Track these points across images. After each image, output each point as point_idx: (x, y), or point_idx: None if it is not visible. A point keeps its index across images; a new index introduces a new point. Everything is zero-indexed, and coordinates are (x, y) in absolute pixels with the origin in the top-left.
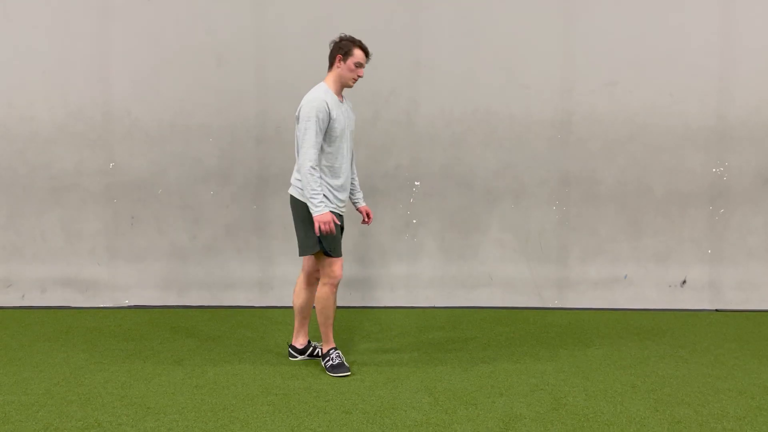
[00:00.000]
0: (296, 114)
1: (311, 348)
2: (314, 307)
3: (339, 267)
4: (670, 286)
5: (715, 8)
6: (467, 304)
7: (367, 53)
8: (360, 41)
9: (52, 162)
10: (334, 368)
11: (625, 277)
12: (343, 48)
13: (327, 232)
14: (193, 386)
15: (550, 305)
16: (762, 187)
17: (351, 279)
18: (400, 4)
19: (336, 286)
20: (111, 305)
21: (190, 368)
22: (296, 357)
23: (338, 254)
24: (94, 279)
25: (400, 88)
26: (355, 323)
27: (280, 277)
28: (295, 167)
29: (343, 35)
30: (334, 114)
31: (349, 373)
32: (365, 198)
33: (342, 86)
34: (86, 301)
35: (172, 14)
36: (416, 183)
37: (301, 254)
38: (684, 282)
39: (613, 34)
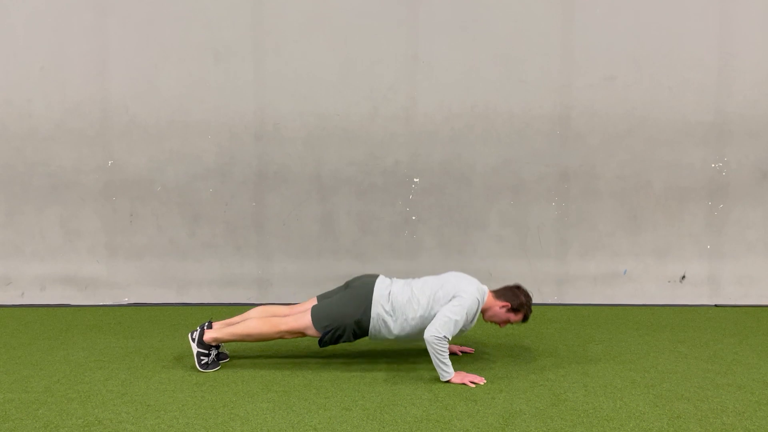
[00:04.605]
0: (454, 285)
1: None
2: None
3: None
4: (669, 282)
5: (714, 2)
6: None
7: (524, 321)
8: (531, 313)
9: (51, 159)
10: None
11: (625, 272)
12: (518, 307)
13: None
14: (194, 383)
15: (550, 301)
16: (761, 182)
17: (350, 276)
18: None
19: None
20: (110, 303)
21: (190, 365)
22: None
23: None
24: (94, 277)
25: (399, 83)
26: None
27: (279, 274)
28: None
29: (528, 296)
30: (473, 321)
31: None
32: (364, 194)
33: (486, 315)
34: (85, 299)
35: (170, 10)
36: (415, 179)
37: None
38: (683, 277)
39: (612, 28)
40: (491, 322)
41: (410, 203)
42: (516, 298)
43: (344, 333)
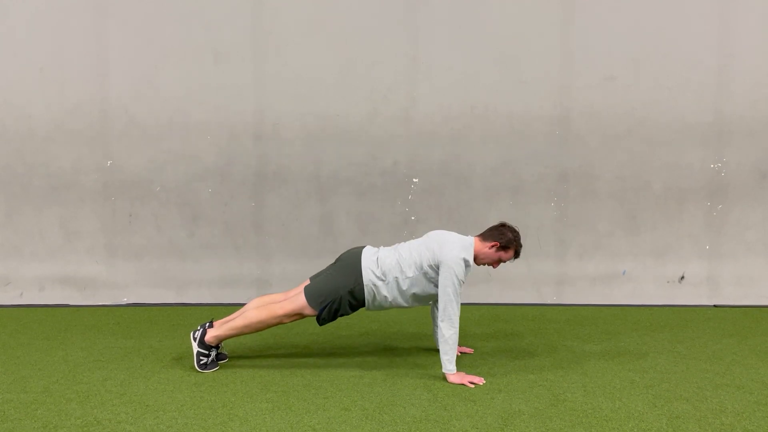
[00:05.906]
0: (440, 248)
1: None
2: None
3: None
4: (668, 282)
5: (714, 3)
6: (465, 301)
7: (516, 257)
8: (521, 248)
9: (50, 160)
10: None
11: (624, 272)
12: (506, 244)
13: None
14: (192, 384)
15: (549, 301)
16: (760, 183)
17: None
18: (397, 0)
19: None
20: (109, 303)
21: (189, 366)
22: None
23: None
24: (93, 277)
25: (398, 84)
26: (354, 320)
27: (278, 275)
28: (383, 264)
29: (515, 232)
30: (468, 271)
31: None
32: (363, 195)
33: (478, 260)
34: (85, 299)
35: (170, 11)
36: (414, 180)
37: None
38: (682, 277)
39: (611, 29)
40: (484, 264)
41: (409, 204)
42: (503, 236)
43: (340, 306)
